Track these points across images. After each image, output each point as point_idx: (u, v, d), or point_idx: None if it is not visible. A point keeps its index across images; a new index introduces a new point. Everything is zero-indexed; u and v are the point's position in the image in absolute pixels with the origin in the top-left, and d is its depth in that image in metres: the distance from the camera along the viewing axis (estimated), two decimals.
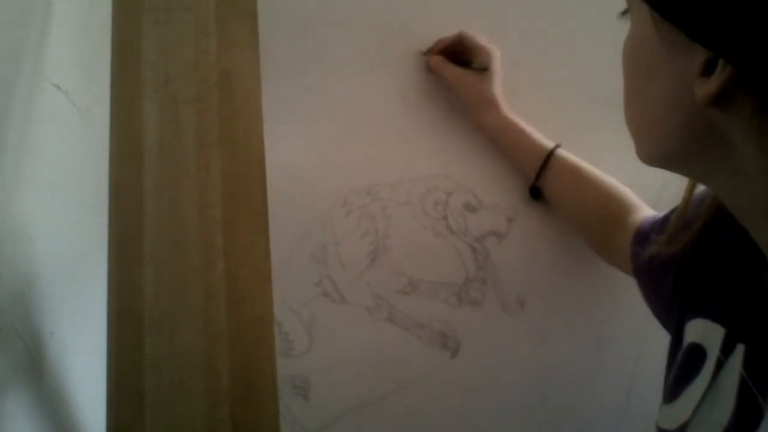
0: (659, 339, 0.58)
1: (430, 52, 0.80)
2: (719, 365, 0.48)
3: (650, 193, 0.75)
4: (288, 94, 0.79)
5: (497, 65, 0.77)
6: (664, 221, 0.61)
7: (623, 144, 0.48)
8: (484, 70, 0.76)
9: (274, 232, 0.76)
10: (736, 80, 0.36)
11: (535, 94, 0.79)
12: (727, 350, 0.48)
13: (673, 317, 0.55)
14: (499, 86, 0.77)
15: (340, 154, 0.79)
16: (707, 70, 0.37)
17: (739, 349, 0.47)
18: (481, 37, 0.78)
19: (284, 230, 0.77)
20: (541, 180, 0.76)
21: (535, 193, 0.78)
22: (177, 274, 0.76)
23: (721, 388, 0.48)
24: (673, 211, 0.59)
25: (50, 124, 0.73)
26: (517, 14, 0.81)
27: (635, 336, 0.77)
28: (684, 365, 0.52)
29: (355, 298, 0.76)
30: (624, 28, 0.45)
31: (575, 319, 0.77)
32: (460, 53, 0.80)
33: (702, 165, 0.42)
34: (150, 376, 0.74)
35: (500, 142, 0.78)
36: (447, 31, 0.79)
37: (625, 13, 0.45)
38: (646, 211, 0.69)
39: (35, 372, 0.68)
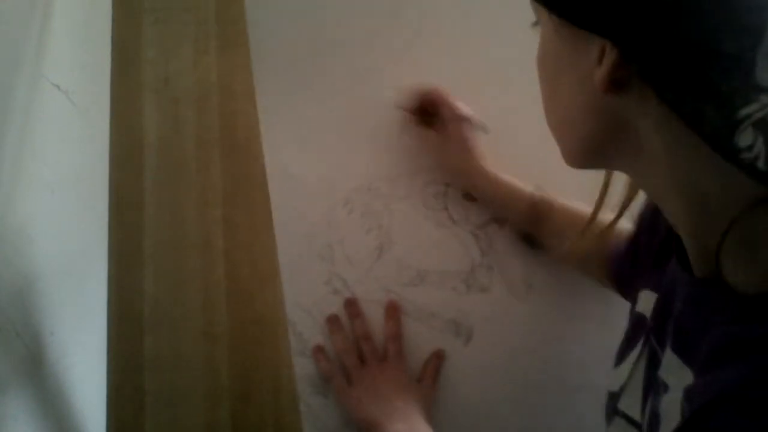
0: None
1: (404, 109, 0.75)
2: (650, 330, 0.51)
3: None
4: (286, 93, 0.79)
5: (469, 129, 0.73)
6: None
7: None
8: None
9: (279, 234, 0.76)
10: (623, 60, 0.38)
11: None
12: None
13: (632, 290, 0.57)
14: (479, 145, 0.73)
15: (339, 152, 0.79)
16: (601, 58, 0.39)
17: None
18: (455, 100, 0.73)
19: (290, 232, 0.77)
20: (534, 229, 0.73)
21: (530, 242, 0.75)
22: (177, 274, 0.76)
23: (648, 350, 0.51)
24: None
25: (50, 124, 0.73)
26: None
27: None
28: (630, 332, 0.55)
29: (366, 294, 0.76)
30: None
31: (584, 297, 0.77)
32: (431, 111, 0.75)
33: (619, 157, 0.44)
34: (150, 376, 0.73)
35: (489, 201, 0.76)
36: (444, 27, 0.79)
37: (536, 24, 0.47)
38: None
39: (35, 372, 0.68)
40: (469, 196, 0.78)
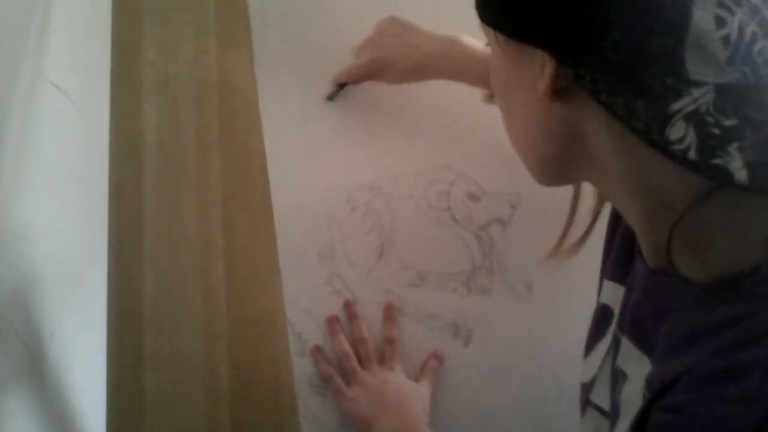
0: None
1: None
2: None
3: None
4: (286, 92, 0.79)
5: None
6: None
7: None
8: None
9: (280, 233, 0.76)
10: (561, 68, 0.40)
11: None
12: None
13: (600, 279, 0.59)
14: (401, 21, 0.76)
15: (340, 151, 0.79)
16: (543, 70, 0.41)
17: None
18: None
19: (291, 231, 0.77)
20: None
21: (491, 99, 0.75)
22: (177, 273, 0.76)
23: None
24: None
25: (50, 124, 0.73)
26: None
27: None
28: (596, 323, 0.57)
29: (366, 294, 0.76)
30: None
31: (584, 299, 0.77)
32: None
33: (577, 168, 0.46)
34: (150, 376, 0.73)
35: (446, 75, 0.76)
36: (445, 27, 0.78)
37: (488, 45, 0.48)
38: None
39: (35, 372, 0.68)
40: (472, 196, 0.78)
